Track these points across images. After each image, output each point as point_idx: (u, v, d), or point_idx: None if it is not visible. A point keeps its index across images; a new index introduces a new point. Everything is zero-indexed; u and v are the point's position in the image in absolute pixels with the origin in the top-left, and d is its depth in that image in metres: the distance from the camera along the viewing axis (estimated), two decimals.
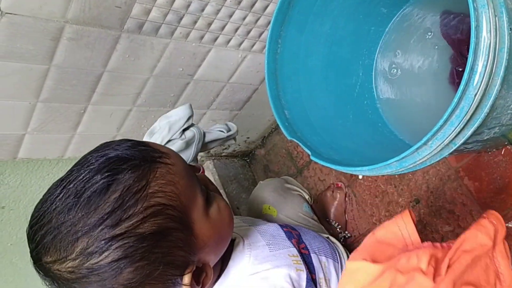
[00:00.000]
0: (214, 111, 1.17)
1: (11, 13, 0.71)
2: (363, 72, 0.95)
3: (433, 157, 0.56)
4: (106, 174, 0.50)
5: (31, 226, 0.52)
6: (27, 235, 0.53)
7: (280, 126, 0.78)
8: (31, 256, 0.53)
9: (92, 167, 0.52)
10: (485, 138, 0.63)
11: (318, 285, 0.73)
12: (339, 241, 0.97)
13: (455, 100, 0.50)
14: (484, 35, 0.48)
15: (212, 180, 1.34)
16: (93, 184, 0.50)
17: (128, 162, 0.52)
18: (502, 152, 0.86)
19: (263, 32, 0.99)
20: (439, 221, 0.97)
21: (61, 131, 0.99)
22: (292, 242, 0.76)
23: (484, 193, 0.90)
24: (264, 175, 1.41)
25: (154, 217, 0.51)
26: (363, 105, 0.94)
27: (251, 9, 0.91)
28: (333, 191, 1.19)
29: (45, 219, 0.51)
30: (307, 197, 1.04)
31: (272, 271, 0.67)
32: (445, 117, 0.51)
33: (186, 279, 0.55)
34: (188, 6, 0.84)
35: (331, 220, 1.15)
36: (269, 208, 1.01)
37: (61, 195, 0.51)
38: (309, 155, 0.72)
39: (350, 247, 1.14)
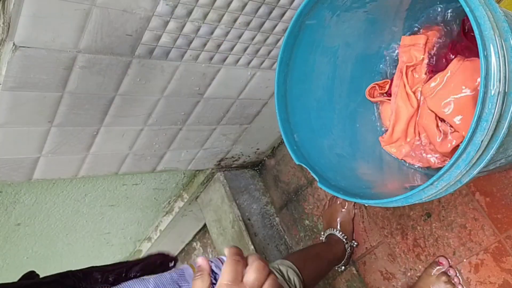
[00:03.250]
0: (225, 126, 1.18)
1: (24, 47, 0.72)
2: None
3: (439, 194, 0.57)
4: None
5: None
6: None
7: (289, 150, 0.79)
8: None
9: None
10: (491, 168, 0.63)
11: None
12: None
13: (462, 146, 0.51)
14: (493, 83, 0.48)
15: (224, 192, 1.36)
16: None
17: None
18: None
19: (272, 50, 1.00)
20: (451, 235, 0.97)
21: (74, 152, 1.00)
22: None
23: (495, 208, 0.90)
24: (274, 185, 1.42)
25: None
26: (370, 122, 0.94)
27: (260, 29, 0.92)
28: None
29: None
30: (298, 285, 0.95)
31: None
32: (451, 161, 0.51)
33: None
34: (198, 30, 0.85)
35: (335, 230, 1.15)
36: None
37: None
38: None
39: (357, 257, 1.15)
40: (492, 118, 0.53)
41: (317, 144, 0.84)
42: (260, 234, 1.35)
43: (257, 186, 1.43)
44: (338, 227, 1.16)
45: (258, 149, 1.38)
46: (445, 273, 0.96)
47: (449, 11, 0.84)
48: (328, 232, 1.17)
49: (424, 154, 0.86)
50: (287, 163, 1.38)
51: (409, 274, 1.05)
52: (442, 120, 0.81)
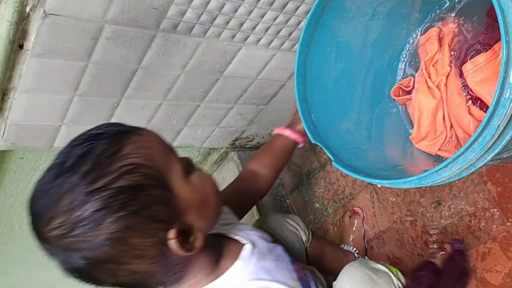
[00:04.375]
0: (242, 106, 1.20)
1: (54, 14, 0.74)
2: (391, 74, 0.96)
3: (452, 177, 0.58)
4: (85, 144, 0.57)
5: (28, 202, 0.58)
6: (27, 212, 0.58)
7: (306, 129, 0.81)
8: (30, 229, 0.57)
9: (74, 143, 0.59)
10: (505, 156, 0.64)
11: None
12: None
13: (479, 130, 0.52)
14: None
15: (237, 172, 1.38)
16: (74, 154, 0.56)
17: (104, 134, 0.59)
18: None
19: (293, 31, 1.00)
20: (460, 223, 0.98)
21: (95, 122, 1.01)
22: (294, 268, 0.77)
23: (506, 199, 0.91)
24: (287, 168, 1.44)
25: (129, 174, 0.56)
26: (387, 108, 0.95)
27: (282, 9, 0.93)
28: (350, 217, 1.21)
29: (36, 191, 0.57)
30: (304, 238, 1.00)
31: (273, 284, 0.69)
32: (467, 144, 0.53)
33: (172, 234, 0.58)
34: (222, 7, 0.86)
35: (348, 245, 1.17)
36: None
37: (49, 168, 0.58)
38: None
39: (365, 241, 1.17)
40: (510, 103, 0.54)
41: (333, 126, 0.85)
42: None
43: None
44: (351, 243, 1.18)
45: (272, 131, 1.39)
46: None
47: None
48: (341, 247, 1.18)
49: (456, 146, 0.85)
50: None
51: (416, 260, 1.07)
52: (475, 104, 0.81)
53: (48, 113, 0.95)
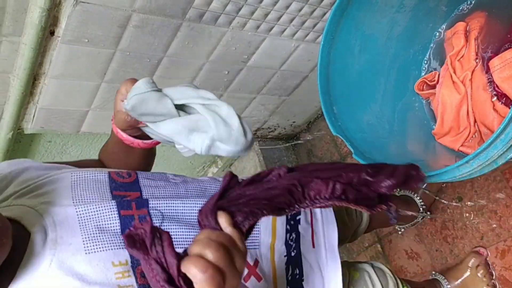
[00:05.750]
0: (264, 96, 1.21)
1: (84, 2, 0.76)
2: (416, 68, 0.95)
3: (473, 173, 0.58)
4: None
5: None
6: None
7: (327, 121, 0.81)
8: None
9: None
10: None
11: None
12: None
13: (501, 126, 0.51)
14: None
15: (257, 161, 1.39)
16: None
17: None
18: None
19: (317, 23, 1.01)
20: (481, 220, 0.98)
21: None
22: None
23: None
24: (307, 159, 1.44)
25: None
26: (410, 102, 0.95)
27: (308, 1, 0.93)
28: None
29: None
30: None
31: None
32: (489, 141, 0.52)
33: None
34: None
35: (416, 195, 1.07)
36: None
37: None
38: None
39: (384, 235, 1.17)
40: None
41: (356, 118, 0.85)
42: None
43: (290, 158, 1.46)
44: (420, 193, 1.09)
45: (294, 122, 1.40)
46: (483, 265, 0.96)
47: None
48: (407, 193, 1.09)
49: (479, 143, 0.84)
50: (321, 138, 1.39)
51: (434, 255, 1.06)
52: (501, 100, 0.80)
53: (77, 99, 0.97)
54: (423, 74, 0.95)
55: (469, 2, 0.88)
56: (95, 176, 0.61)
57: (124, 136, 0.68)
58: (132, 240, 0.39)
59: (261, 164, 1.40)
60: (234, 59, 1.03)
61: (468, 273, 0.96)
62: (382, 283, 0.83)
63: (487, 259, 0.97)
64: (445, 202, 1.04)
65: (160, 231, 0.40)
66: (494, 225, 0.95)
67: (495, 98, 0.83)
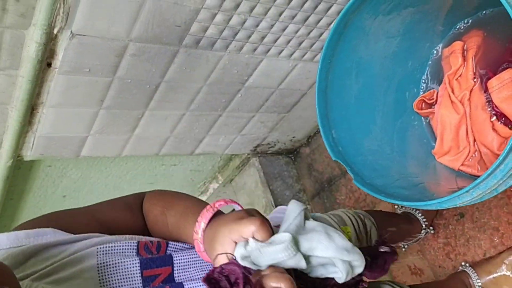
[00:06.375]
0: (263, 114, 1.21)
1: (81, 35, 0.76)
2: (414, 87, 0.95)
3: (474, 201, 0.58)
4: None
5: None
6: None
7: (326, 146, 0.81)
8: None
9: None
10: None
11: None
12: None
13: (501, 158, 0.51)
14: None
15: (258, 177, 1.39)
16: None
17: None
18: None
19: (314, 42, 1.01)
20: (483, 237, 0.97)
21: (120, 133, 1.05)
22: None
23: None
24: (308, 174, 1.44)
25: None
26: (410, 120, 0.95)
27: (304, 22, 0.93)
28: None
29: None
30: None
31: None
32: (489, 171, 0.52)
33: None
34: (244, 22, 0.87)
35: (417, 211, 1.07)
36: None
37: None
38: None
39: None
40: None
41: (355, 142, 0.85)
42: None
43: (290, 173, 1.46)
44: (421, 209, 1.08)
45: (294, 137, 1.40)
46: None
47: (493, 13, 0.82)
48: (409, 210, 1.09)
49: (479, 162, 0.84)
50: (321, 152, 1.39)
51: (437, 271, 1.06)
52: (500, 120, 0.80)
53: (75, 126, 0.97)
54: (421, 92, 0.95)
55: (465, 21, 0.87)
56: (122, 250, 0.53)
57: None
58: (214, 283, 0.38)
59: (262, 180, 1.40)
60: (232, 81, 1.03)
61: (503, 269, 0.91)
62: None
63: None
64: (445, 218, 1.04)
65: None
66: (496, 242, 0.94)
67: (494, 117, 0.82)
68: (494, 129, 0.82)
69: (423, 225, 1.08)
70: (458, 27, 0.89)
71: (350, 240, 0.69)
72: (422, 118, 0.96)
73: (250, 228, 0.45)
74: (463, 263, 0.99)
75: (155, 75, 0.92)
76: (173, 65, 0.91)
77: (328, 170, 1.37)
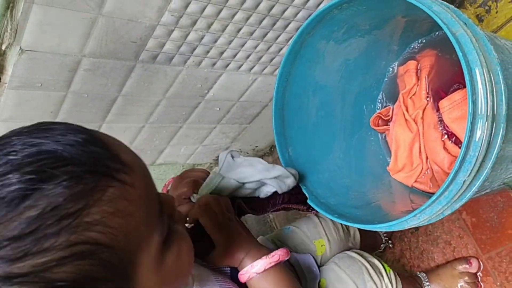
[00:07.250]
0: (224, 125, 1.20)
1: (30, 50, 0.74)
2: (371, 104, 0.97)
3: (422, 223, 0.60)
4: (28, 177, 0.33)
5: None
6: None
7: (282, 163, 0.82)
8: None
9: (12, 157, 0.35)
10: (475, 196, 0.66)
11: None
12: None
13: (444, 185, 0.53)
14: (478, 135, 0.50)
15: None
16: (3, 187, 0.33)
17: (67, 165, 0.35)
18: (501, 194, 0.88)
19: (274, 57, 1.01)
20: (436, 250, 1.00)
21: None
22: None
23: (480, 229, 0.92)
24: None
25: (80, 260, 0.33)
26: (366, 136, 0.96)
27: (263, 38, 0.93)
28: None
29: None
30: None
31: None
32: (433, 198, 0.54)
33: None
34: (202, 38, 0.86)
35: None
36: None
37: None
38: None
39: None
40: (476, 160, 0.55)
41: (311, 159, 0.86)
42: (253, 229, 1.39)
43: None
44: None
45: (256, 146, 1.40)
46: (470, 274, 0.92)
47: (445, 35, 0.84)
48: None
49: (431, 179, 0.86)
50: None
51: None
52: (451, 139, 0.82)
53: None
54: (378, 109, 0.97)
55: (420, 41, 0.89)
56: None
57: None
58: None
59: None
60: (192, 94, 1.02)
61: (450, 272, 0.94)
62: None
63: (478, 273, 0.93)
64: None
65: None
66: (449, 256, 0.97)
67: (445, 136, 0.85)
68: (445, 148, 0.84)
69: (383, 239, 1.11)
70: (412, 46, 0.91)
71: (325, 251, 0.90)
72: (379, 134, 0.97)
73: (183, 187, 0.69)
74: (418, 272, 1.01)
75: (112, 90, 0.90)
76: (130, 79, 0.89)
77: None
